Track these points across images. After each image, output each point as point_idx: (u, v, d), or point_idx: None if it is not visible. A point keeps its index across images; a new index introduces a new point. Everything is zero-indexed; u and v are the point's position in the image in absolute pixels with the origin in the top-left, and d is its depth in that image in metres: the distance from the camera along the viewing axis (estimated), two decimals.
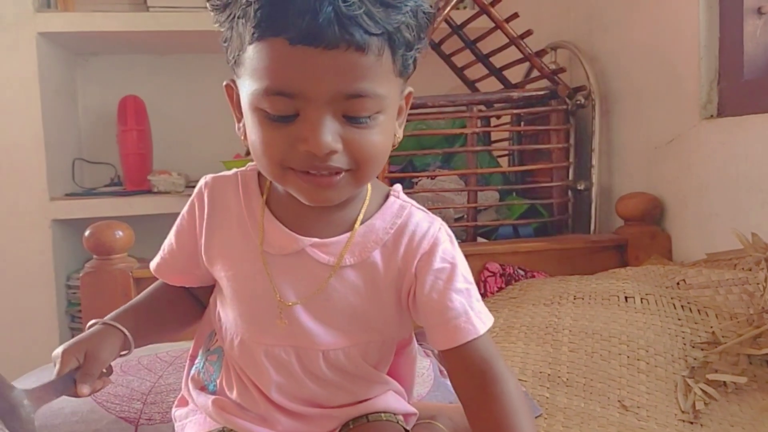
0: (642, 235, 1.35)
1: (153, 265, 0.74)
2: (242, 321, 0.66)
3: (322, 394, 0.68)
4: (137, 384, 0.91)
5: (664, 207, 1.37)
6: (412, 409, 0.75)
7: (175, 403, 0.76)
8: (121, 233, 1.17)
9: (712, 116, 1.25)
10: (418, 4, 0.57)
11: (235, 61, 0.59)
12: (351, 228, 0.64)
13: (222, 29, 0.60)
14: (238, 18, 0.57)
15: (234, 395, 0.69)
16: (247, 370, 0.68)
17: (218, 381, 0.71)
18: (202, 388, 0.72)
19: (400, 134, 0.64)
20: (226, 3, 0.59)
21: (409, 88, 0.63)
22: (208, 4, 0.61)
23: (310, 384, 0.67)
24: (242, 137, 0.63)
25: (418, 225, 0.65)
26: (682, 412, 0.92)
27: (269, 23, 0.54)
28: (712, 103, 1.25)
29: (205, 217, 0.67)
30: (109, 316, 0.71)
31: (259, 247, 0.64)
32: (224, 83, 0.65)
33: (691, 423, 0.90)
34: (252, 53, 0.56)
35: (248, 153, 2.06)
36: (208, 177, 0.69)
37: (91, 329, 0.69)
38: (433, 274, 0.63)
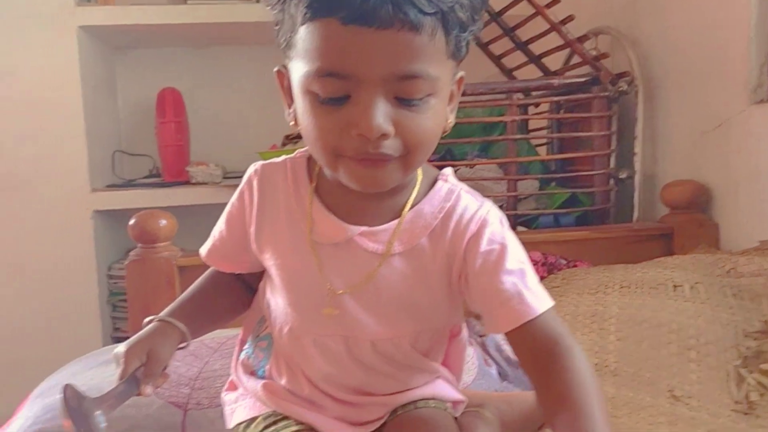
0: (688, 224, 1.32)
1: (203, 251, 0.74)
2: (291, 310, 0.66)
3: (370, 383, 0.67)
4: (184, 369, 0.92)
5: (711, 194, 1.33)
6: (461, 397, 0.74)
7: (225, 387, 0.76)
8: (164, 222, 1.18)
9: (762, 100, 1.21)
10: None
11: (286, 44, 0.59)
12: (399, 215, 0.63)
13: (274, 11, 0.60)
14: (290, 0, 0.56)
15: (283, 382, 0.69)
16: (296, 358, 0.68)
17: (267, 368, 0.71)
18: (252, 373, 0.72)
19: (452, 120, 0.62)
20: None
21: (461, 73, 0.62)
22: None
23: (358, 373, 0.66)
24: (292, 122, 0.62)
25: (467, 208, 0.64)
26: (735, 402, 0.89)
27: (322, 3, 0.53)
28: (763, 87, 1.21)
29: (255, 204, 0.67)
30: (164, 312, 0.71)
31: (307, 237, 0.63)
32: (275, 69, 0.64)
33: (745, 414, 0.88)
34: (304, 34, 0.55)
35: (284, 144, 2.06)
36: (258, 164, 0.69)
37: (149, 327, 0.69)
38: (481, 257, 0.62)
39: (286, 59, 0.61)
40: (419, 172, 0.65)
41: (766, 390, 0.90)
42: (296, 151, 0.69)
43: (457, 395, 0.74)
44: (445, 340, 0.71)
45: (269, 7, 0.61)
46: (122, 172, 2.08)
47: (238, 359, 0.75)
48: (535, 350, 0.60)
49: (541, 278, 1.28)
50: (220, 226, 0.72)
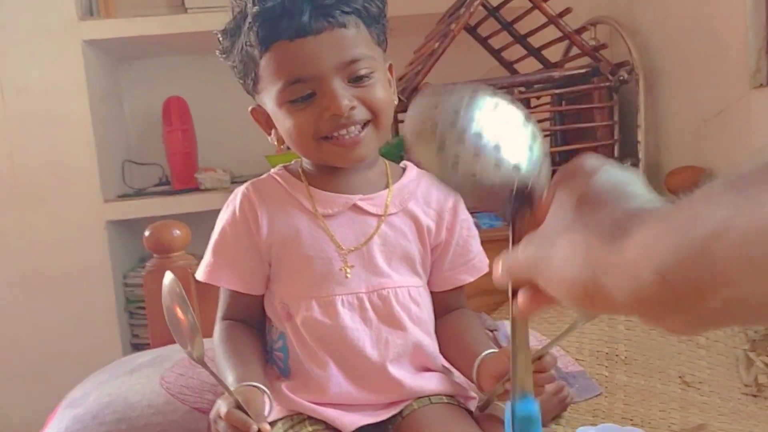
0: None
1: (204, 273, 0.78)
2: (314, 281, 0.74)
3: (392, 341, 0.74)
4: (207, 376, 0.94)
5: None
6: (473, 394, 0.78)
7: None
8: (178, 232, 1.21)
9: (761, 85, 1.23)
10: None
11: (254, 81, 0.73)
12: (386, 187, 0.77)
13: (235, 64, 0.74)
14: (246, 46, 0.70)
15: (304, 370, 0.74)
16: (324, 332, 0.73)
17: (289, 363, 0.75)
18: (278, 378, 0.76)
19: (395, 100, 0.77)
20: (231, 43, 0.74)
21: (390, 61, 0.77)
22: (217, 53, 0.77)
23: (384, 330, 0.74)
24: (276, 143, 0.77)
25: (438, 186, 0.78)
26: (745, 386, 0.92)
27: (270, 33, 0.68)
28: (762, 72, 1.23)
29: (259, 210, 0.75)
30: (239, 378, 0.71)
31: (314, 212, 0.75)
32: (249, 109, 0.79)
33: (755, 396, 0.90)
34: (266, 63, 0.70)
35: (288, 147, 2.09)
36: (246, 184, 0.79)
37: (243, 392, 0.69)
38: (459, 224, 0.79)
39: (256, 96, 0.76)
40: (385, 162, 0.79)
41: None
42: (274, 169, 0.81)
43: (468, 392, 0.77)
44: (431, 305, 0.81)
45: (231, 62, 0.75)
46: (132, 182, 2.11)
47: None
48: (459, 302, 0.81)
49: None
50: (220, 245, 0.77)
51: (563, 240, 0.36)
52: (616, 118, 1.47)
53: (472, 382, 0.74)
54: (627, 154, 1.49)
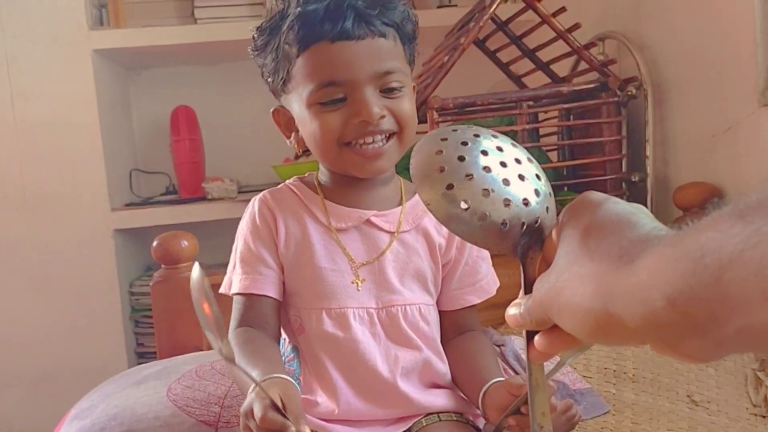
0: None
1: (240, 287, 0.75)
2: (325, 292, 0.74)
3: (401, 356, 0.74)
4: (213, 388, 0.94)
5: (724, 196, 1.34)
6: (478, 411, 0.78)
7: None
8: (186, 243, 1.21)
9: None
10: (406, 7, 0.74)
11: (283, 81, 0.73)
12: (399, 204, 0.78)
13: (266, 62, 0.74)
14: (283, 44, 0.71)
15: (314, 386, 0.74)
16: (335, 346, 0.73)
17: (301, 378, 0.75)
18: None
19: (416, 115, 0.78)
20: (266, 41, 0.74)
21: (414, 83, 0.78)
22: (249, 51, 0.77)
23: (393, 347, 0.74)
24: (296, 146, 0.77)
25: None
26: (754, 405, 0.91)
27: (311, 34, 0.69)
28: None
29: (278, 219, 0.76)
30: (266, 372, 0.66)
31: (328, 225, 0.76)
32: (272, 110, 0.79)
33: (764, 417, 0.89)
34: (301, 62, 0.71)
35: (297, 157, 2.09)
36: (262, 194, 0.79)
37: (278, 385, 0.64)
38: (469, 244, 0.76)
39: (282, 97, 0.76)
40: (399, 178, 0.80)
41: None
42: (289, 180, 0.81)
43: (475, 409, 0.77)
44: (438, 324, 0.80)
45: (262, 61, 0.75)
46: (140, 191, 2.11)
47: None
48: (469, 323, 0.80)
49: None
50: (246, 255, 0.76)
51: (572, 273, 0.36)
52: (624, 133, 1.47)
53: (479, 409, 0.73)
54: (635, 169, 1.49)
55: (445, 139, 0.47)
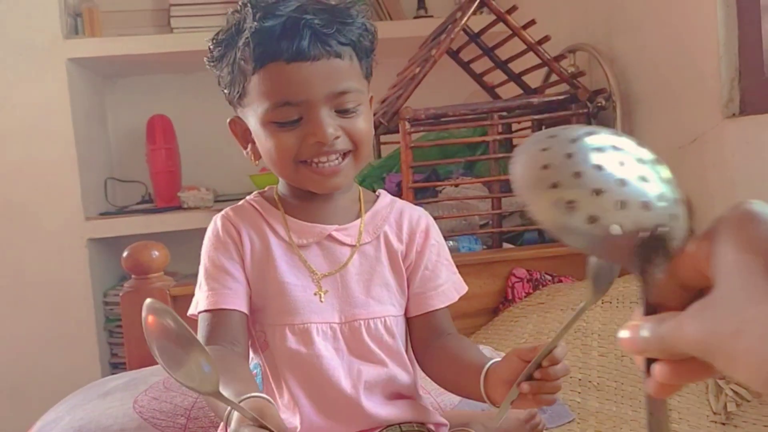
0: None
1: (207, 303, 0.73)
2: (289, 307, 0.74)
3: (364, 371, 0.74)
4: (180, 400, 0.94)
5: (690, 207, 1.36)
6: (443, 420, 0.78)
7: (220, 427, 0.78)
8: (157, 253, 1.21)
9: (734, 115, 1.25)
10: (365, 21, 0.73)
11: (239, 95, 0.73)
12: (358, 216, 0.78)
13: (222, 74, 0.74)
14: (239, 59, 0.70)
15: (277, 402, 0.73)
16: (298, 362, 0.72)
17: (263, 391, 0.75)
18: None
19: (372, 130, 0.77)
20: (222, 54, 0.73)
21: (371, 93, 0.77)
22: (205, 61, 0.76)
23: (356, 362, 0.74)
24: (252, 158, 0.78)
25: (412, 211, 0.81)
26: (714, 413, 0.93)
27: (267, 52, 0.69)
28: (734, 101, 1.26)
29: (243, 236, 0.75)
30: (239, 392, 0.63)
31: (290, 241, 0.75)
32: (228, 120, 0.79)
33: (723, 424, 0.91)
34: (256, 80, 0.70)
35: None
36: (224, 211, 0.79)
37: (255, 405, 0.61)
38: (429, 248, 0.79)
39: (238, 109, 0.76)
40: (358, 188, 0.81)
41: (743, 400, 0.93)
42: (250, 196, 0.81)
43: (438, 418, 0.78)
44: (405, 335, 0.80)
45: (218, 72, 0.75)
46: (115, 199, 2.10)
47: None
48: (441, 327, 0.78)
49: (527, 294, 1.32)
50: (211, 271, 0.74)
51: (754, 317, 0.30)
52: None
53: (480, 399, 0.70)
54: None
55: (554, 136, 0.41)
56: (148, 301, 0.57)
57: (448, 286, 0.80)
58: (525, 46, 1.50)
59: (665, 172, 0.41)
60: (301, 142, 0.70)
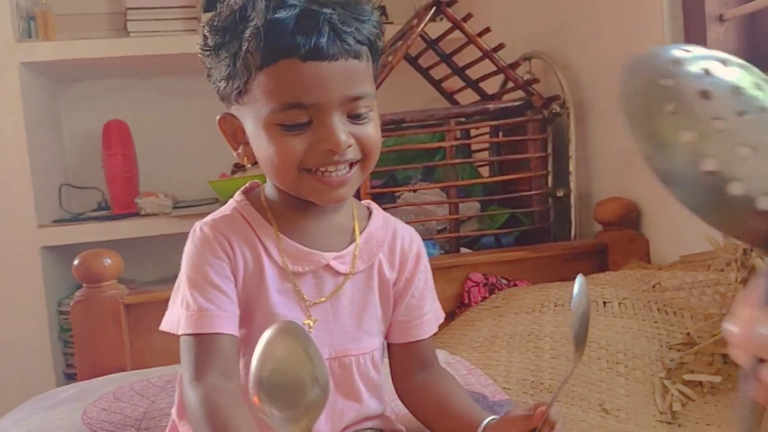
0: (620, 240, 1.38)
1: (206, 325, 0.65)
2: None
3: (347, 412, 0.71)
4: (130, 410, 0.93)
5: (641, 211, 1.40)
6: (401, 427, 0.78)
7: (168, 428, 0.77)
8: (109, 261, 1.19)
9: None
10: (377, 17, 0.67)
11: (238, 92, 0.65)
12: (353, 239, 0.72)
13: (219, 66, 0.66)
14: (244, 51, 0.63)
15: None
16: None
17: None
18: None
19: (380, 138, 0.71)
20: (221, 43, 0.65)
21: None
22: (198, 49, 0.67)
23: (340, 402, 0.70)
24: (244, 161, 0.69)
25: (404, 233, 0.76)
26: (660, 413, 0.95)
27: (280, 48, 0.62)
28: None
29: (236, 253, 0.68)
30: None
31: (285, 267, 0.69)
32: (218, 117, 0.70)
33: (669, 423, 0.93)
34: (264, 78, 0.63)
35: (233, 172, 2.06)
36: (207, 221, 0.69)
37: None
38: (418, 276, 0.75)
39: (234, 106, 0.68)
40: (351, 199, 0.74)
41: (689, 400, 0.96)
42: (233, 200, 0.73)
43: (396, 425, 0.78)
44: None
45: (215, 62, 0.66)
46: (70, 206, 2.06)
47: (180, 402, 0.76)
48: (425, 358, 0.75)
49: (483, 298, 1.33)
50: (202, 286, 0.66)
51: None
52: (549, 149, 1.52)
53: None
54: (560, 185, 1.54)
55: (679, 62, 0.33)
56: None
57: (431, 316, 0.76)
58: (481, 53, 1.52)
59: None
60: (309, 149, 0.63)
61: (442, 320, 0.78)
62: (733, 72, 0.32)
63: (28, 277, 1.81)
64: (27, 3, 1.92)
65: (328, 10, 0.62)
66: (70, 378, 1.88)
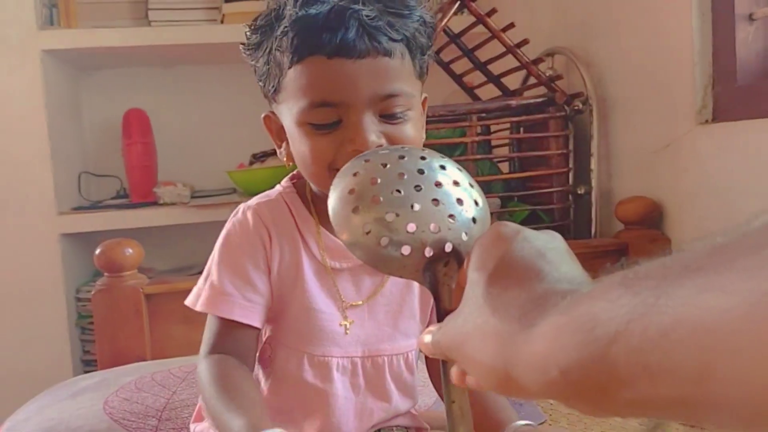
0: (642, 239, 1.37)
1: (228, 310, 0.66)
2: (311, 336, 0.68)
3: (376, 411, 0.71)
4: (152, 401, 0.94)
5: (663, 211, 1.39)
6: (425, 425, 0.78)
7: (193, 417, 0.78)
8: (130, 251, 1.19)
9: (707, 121, 1.27)
10: (423, 13, 0.65)
11: (274, 90, 0.66)
12: None
13: (258, 65, 0.66)
14: (275, 49, 0.63)
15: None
16: (310, 395, 0.69)
17: None
18: None
19: (423, 136, 0.69)
20: (259, 42, 0.66)
21: (425, 94, 0.70)
22: (241, 48, 0.68)
23: (370, 401, 0.70)
24: (285, 159, 0.69)
25: None
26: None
27: (306, 45, 0.61)
28: (707, 108, 1.27)
29: (273, 242, 0.68)
30: (255, 426, 0.58)
31: (324, 263, 0.69)
32: (263, 115, 0.71)
33: (691, 426, 0.93)
34: (293, 75, 0.63)
35: (251, 163, 2.07)
36: (251, 203, 0.70)
37: None
38: None
39: (273, 104, 0.68)
40: None
41: None
42: (280, 186, 0.73)
43: (421, 423, 0.77)
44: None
45: (253, 62, 0.67)
46: (89, 194, 2.07)
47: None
48: None
49: None
50: (237, 277, 0.67)
51: (476, 325, 0.36)
52: (570, 146, 1.51)
53: None
54: (581, 182, 1.52)
55: (367, 161, 0.47)
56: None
57: None
58: (504, 49, 1.50)
59: (466, 194, 0.47)
60: (338, 149, 0.62)
61: None
62: (406, 161, 0.47)
63: (47, 263, 1.82)
64: None
65: (358, 6, 0.60)
66: (87, 364, 1.90)
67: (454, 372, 0.41)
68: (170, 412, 0.92)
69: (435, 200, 0.45)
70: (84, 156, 2.14)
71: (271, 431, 0.55)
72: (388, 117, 0.63)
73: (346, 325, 0.68)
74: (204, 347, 0.67)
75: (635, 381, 0.28)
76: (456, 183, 0.47)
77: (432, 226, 0.44)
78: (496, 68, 1.64)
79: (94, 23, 1.94)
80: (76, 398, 0.96)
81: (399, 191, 0.44)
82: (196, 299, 0.68)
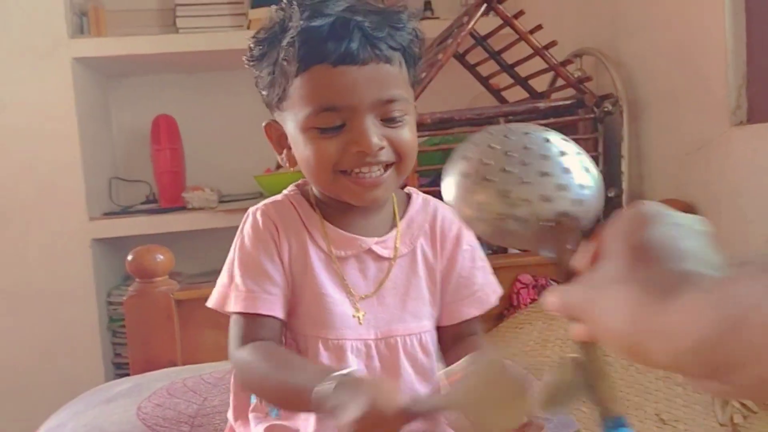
0: None
1: (251, 305, 0.69)
2: (324, 320, 0.71)
3: None
4: (184, 407, 0.94)
5: (695, 213, 1.36)
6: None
7: (232, 415, 0.77)
8: (161, 257, 1.21)
9: (741, 122, 1.24)
10: (414, 26, 0.70)
11: (279, 98, 0.69)
12: (394, 224, 0.75)
13: (262, 75, 0.70)
14: (281, 60, 0.67)
15: (292, 415, 0.71)
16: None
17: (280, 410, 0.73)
18: (265, 416, 0.74)
19: (417, 141, 0.73)
20: (263, 53, 0.70)
21: (415, 104, 0.74)
22: (244, 60, 0.72)
23: None
24: (287, 164, 0.73)
25: (445, 213, 0.77)
26: (720, 425, 0.92)
27: (312, 54, 0.65)
28: (742, 109, 1.25)
29: (281, 236, 0.72)
30: (321, 371, 0.62)
31: (329, 252, 0.72)
32: (264, 124, 0.75)
33: None
34: (299, 83, 0.67)
35: (278, 167, 2.08)
36: (259, 206, 0.74)
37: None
38: (461, 254, 0.76)
39: (276, 112, 0.72)
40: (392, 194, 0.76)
41: (750, 412, 0.92)
42: (286, 191, 0.77)
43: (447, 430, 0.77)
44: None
45: (259, 72, 0.71)
46: (119, 199, 2.10)
47: (237, 401, 0.77)
48: (469, 331, 0.77)
49: (532, 301, 1.31)
50: (249, 268, 0.71)
51: (613, 291, 0.38)
52: (600, 149, 1.49)
53: None
54: (611, 185, 1.50)
55: (476, 144, 0.49)
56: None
57: (486, 291, 0.77)
58: (531, 51, 1.49)
59: (572, 163, 0.49)
60: (343, 151, 0.67)
61: (500, 293, 0.79)
62: (510, 141, 0.50)
63: (79, 268, 1.85)
64: (80, 0, 1.96)
65: (360, 18, 0.65)
66: (118, 367, 1.92)
67: (576, 330, 0.43)
68: (202, 418, 0.92)
69: (543, 173, 0.47)
70: (114, 162, 2.17)
71: (346, 371, 0.59)
72: (388, 120, 0.68)
73: (359, 317, 0.72)
74: (234, 343, 0.70)
75: (762, 357, 0.30)
76: (563, 153, 0.49)
77: (543, 197, 0.46)
78: (523, 70, 1.63)
79: (123, 31, 1.97)
80: (109, 404, 0.97)
81: (508, 169, 0.47)
82: (221, 301, 0.72)
